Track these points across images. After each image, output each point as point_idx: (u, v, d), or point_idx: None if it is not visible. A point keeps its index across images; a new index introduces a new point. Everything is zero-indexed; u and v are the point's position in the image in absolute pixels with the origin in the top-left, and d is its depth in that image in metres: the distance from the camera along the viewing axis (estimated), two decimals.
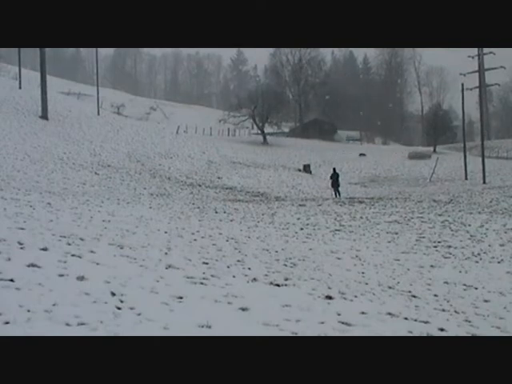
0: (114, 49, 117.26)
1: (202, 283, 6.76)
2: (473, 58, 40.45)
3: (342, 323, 5.62)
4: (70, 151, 30.92)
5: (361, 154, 59.39)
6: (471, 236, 15.12)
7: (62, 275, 5.96)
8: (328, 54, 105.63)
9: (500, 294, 9.15)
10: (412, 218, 18.17)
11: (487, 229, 16.03)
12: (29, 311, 4.51)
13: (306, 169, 44.20)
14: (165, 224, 13.44)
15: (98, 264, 6.91)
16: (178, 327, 4.65)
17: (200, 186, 30.45)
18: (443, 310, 7.30)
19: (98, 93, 49.46)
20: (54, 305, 4.78)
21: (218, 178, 34.44)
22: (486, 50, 41.52)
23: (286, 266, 9.48)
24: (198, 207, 19.30)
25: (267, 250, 11.15)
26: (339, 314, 5.99)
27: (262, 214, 18.34)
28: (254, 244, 11.94)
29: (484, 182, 36.51)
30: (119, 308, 5.06)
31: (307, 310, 6.03)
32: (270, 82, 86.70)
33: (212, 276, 7.29)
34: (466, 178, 41.21)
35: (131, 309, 5.08)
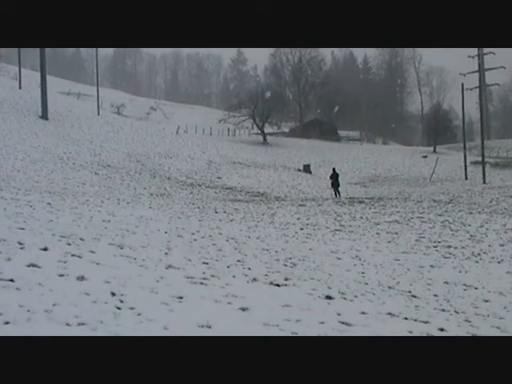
0: (113, 49, 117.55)
1: (202, 283, 6.76)
2: (473, 58, 40.43)
3: (342, 323, 5.62)
4: (70, 151, 30.92)
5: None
6: (471, 236, 15.11)
7: (62, 275, 5.97)
8: (328, 54, 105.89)
9: (500, 294, 9.14)
10: (412, 217, 18.16)
11: (487, 229, 16.02)
12: (29, 311, 4.51)
13: (306, 169, 44.18)
14: (165, 224, 13.44)
15: (98, 264, 6.92)
16: (178, 327, 4.65)
17: (200, 185, 30.45)
18: (443, 310, 7.29)
19: (98, 93, 49.44)
20: (54, 305, 4.78)
21: (218, 178, 34.44)
22: (486, 50, 41.47)
23: (285, 265, 9.48)
24: (198, 207, 19.30)
25: (267, 250, 11.15)
26: (339, 314, 5.99)
27: (262, 214, 18.34)
28: (253, 244, 11.94)
29: (484, 182, 36.53)
30: (119, 308, 5.06)
31: (307, 310, 6.03)
32: (270, 82, 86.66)
33: (212, 276, 7.29)
34: (466, 178, 41.23)
35: (131, 309, 5.08)
